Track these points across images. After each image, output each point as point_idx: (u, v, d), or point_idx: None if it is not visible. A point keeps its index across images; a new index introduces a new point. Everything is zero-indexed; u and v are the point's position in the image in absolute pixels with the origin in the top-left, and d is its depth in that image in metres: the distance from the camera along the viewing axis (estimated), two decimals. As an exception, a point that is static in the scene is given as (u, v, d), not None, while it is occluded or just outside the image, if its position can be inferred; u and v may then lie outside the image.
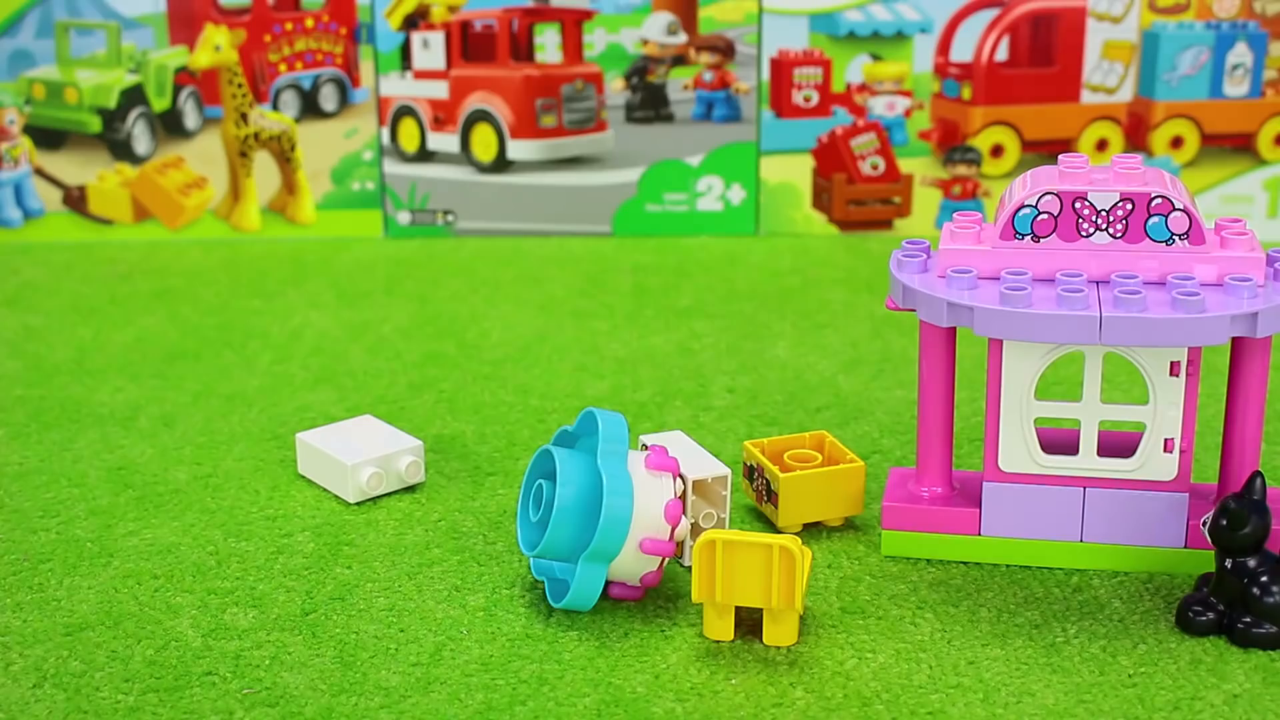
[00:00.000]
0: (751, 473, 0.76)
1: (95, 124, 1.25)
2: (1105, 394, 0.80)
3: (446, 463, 0.83)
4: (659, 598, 0.69)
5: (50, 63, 1.25)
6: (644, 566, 0.66)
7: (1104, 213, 0.68)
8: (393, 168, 1.27)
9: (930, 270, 0.70)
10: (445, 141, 1.27)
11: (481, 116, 1.26)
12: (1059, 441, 0.72)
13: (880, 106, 1.24)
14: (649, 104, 1.25)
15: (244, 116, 1.25)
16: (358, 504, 0.78)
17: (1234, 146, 1.23)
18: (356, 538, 0.75)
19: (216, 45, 1.23)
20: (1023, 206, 0.68)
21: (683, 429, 0.86)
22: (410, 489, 0.81)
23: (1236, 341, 0.69)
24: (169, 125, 1.26)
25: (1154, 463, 0.69)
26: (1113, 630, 0.67)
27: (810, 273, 1.16)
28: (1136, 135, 1.23)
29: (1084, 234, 0.68)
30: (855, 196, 1.26)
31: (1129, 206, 0.67)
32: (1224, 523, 0.65)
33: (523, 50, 1.25)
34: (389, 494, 0.80)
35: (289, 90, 1.26)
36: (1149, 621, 0.67)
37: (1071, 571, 0.71)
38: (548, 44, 1.25)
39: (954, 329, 0.71)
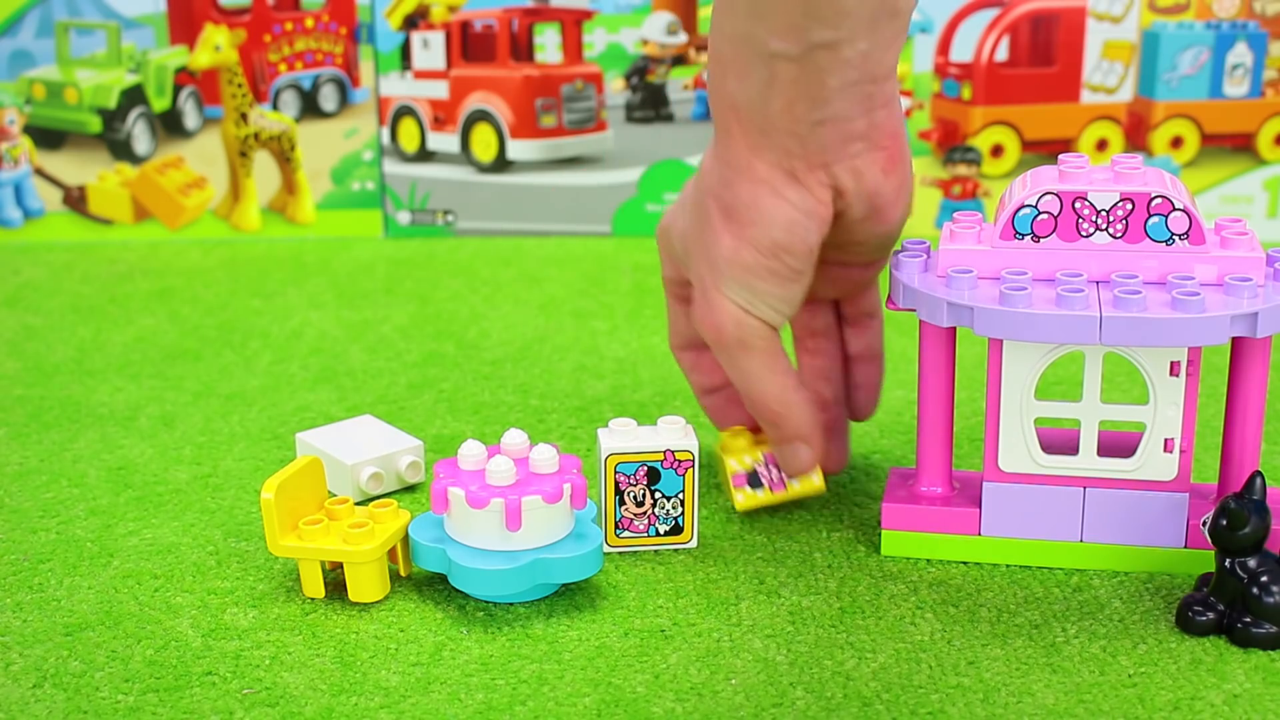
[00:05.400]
0: (754, 478, 0.76)
1: (95, 124, 1.25)
2: (1105, 394, 0.80)
3: (446, 463, 0.83)
4: (659, 596, 0.69)
5: (50, 63, 1.25)
6: None
7: (1104, 213, 0.68)
8: (393, 168, 1.27)
9: (930, 270, 0.70)
10: (445, 141, 1.27)
11: (481, 116, 1.26)
12: (1059, 441, 0.72)
13: (880, 106, 1.24)
14: (649, 104, 1.25)
15: (244, 116, 1.25)
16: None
17: (1234, 146, 1.23)
18: (356, 538, 0.75)
19: (216, 45, 1.23)
20: (1023, 206, 0.68)
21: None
22: (410, 489, 0.81)
23: (1236, 341, 0.69)
24: (169, 125, 1.26)
25: (1154, 463, 0.69)
26: (1113, 630, 0.67)
27: (810, 273, 1.16)
28: (1136, 135, 1.23)
29: (1084, 234, 0.68)
30: (855, 196, 1.25)
31: (1129, 206, 0.67)
32: (1224, 523, 0.65)
33: (523, 50, 1.25)
34: (389, 494, 0.80)
35: (289, 90, 1.26)
36: (1149, 621, 0.67)
37: (1071, 571, 0.71)
38: (548, 44, 1.25)
39: (954, 329, 0.71)
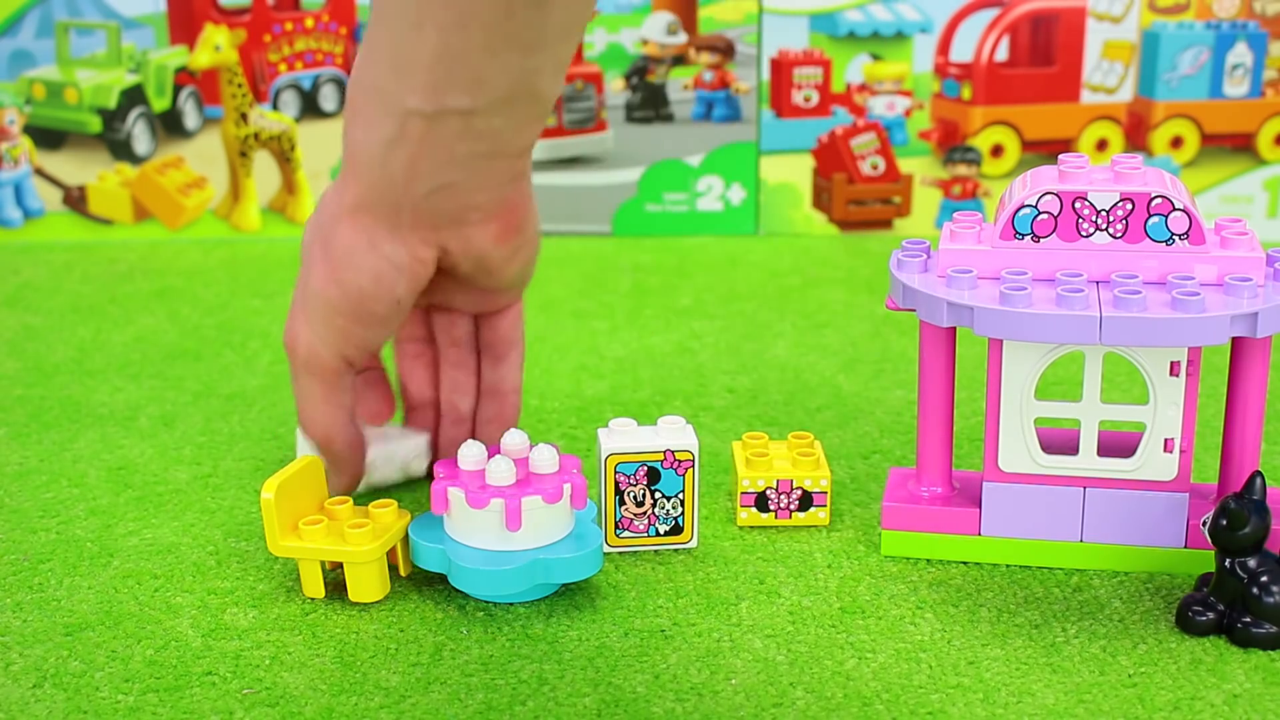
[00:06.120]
0: (762, 501, 0.76)
1: (95, 124, 1.25)
2: (1105, 394, 0.80)
3: (446, 463, 0.83)
4: (659, 596, 0.69)
5: (50, 63, 1.25)
6: None
7: (1104, 213, 0.68)
8: (393, 168, 1.26)
9: (930, 270, 0.70)
10: (445, 141, 1.27)
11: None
12: (1059, 441, 0.72)
13: (880, 106, 1.24)
14: (649, 104, 1.25)
15: (244, 116, 1.25)
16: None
17: (1234, 146, 1.23)
18: (356, 538, 0.75)
19: (216, 45, 1.23)
20: (1023, 206, 0.68)
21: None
22: (410, 487, 0.80)
23: (1236, 341, 0.69)
24: (169, 125, 1.26)
25: (1154, 463, 0.69)
26: (1113, 630, 0.67)
27: (810, 273, 1.16)
28: (1136, 135, 1.23)
29: (1084, 234, 0.68)
30: (855, 196, 1.26)
31: (1129, 206, 0.67)
32: (1224, 523, 0.65)
33: (523, 50, 1.25)
34: (389, 493, 0.80)
35: (289, 90, 1.26)
36: (1149, 621, 0.67)
37: (1071, 571, 0.71)
38: (548, 44, 1.25)
39: (954, 329, 0.71)
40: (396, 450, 0.79)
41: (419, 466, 0.80)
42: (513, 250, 0.70)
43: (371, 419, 0.78)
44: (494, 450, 0.71)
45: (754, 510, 0.75)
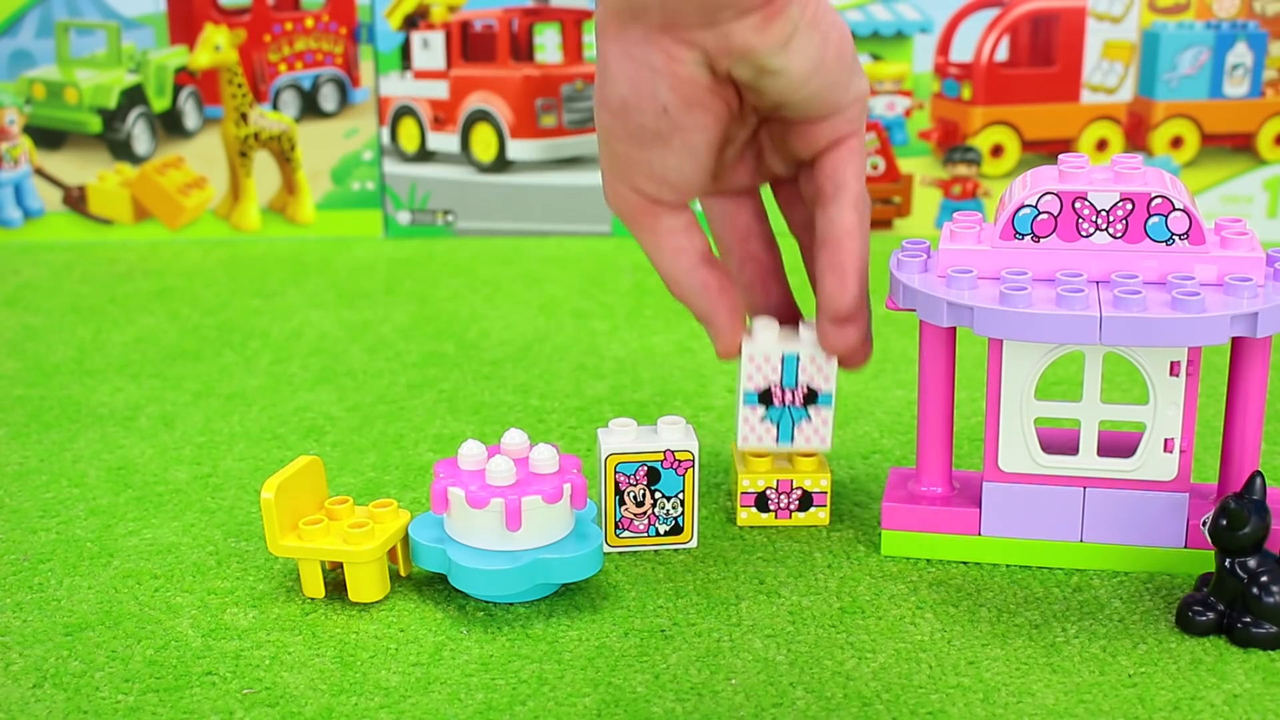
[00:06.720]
0: (762, 501, 0.76)
1: (95, 124, 1.25)
2: (1105, 394, 0.80)
3: (446, 463, 0.83)
4: (659, 596, 0.69)
5: (50, 63, 1.25)
6: None
7: (1104, 213, 0.68)
8: (393, 168, 1.27)
9: (930, 270, 0.70)
10: (445, 141, 1.27)
11: (481, 116, 1.26)
12: (1059, 441, 0.72)
13: (880, 106, 1.24)
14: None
15: (244, 116, 1.25)
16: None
17: (1234, 146, 1.23)
18: (356, 538, 0.75)
19: (216, 45, 1.23)
20: (1023, 206, 0.68)
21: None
22: (410, 487, 0.80)
23: (1236, 341, 0.69)
24: (169, 125, 1.26)
25: (1154, 463, 0.69)
26: (1113, 630, 0.67)
27: (810, 273, 1.16)
28: (1136, 135, 1.23)
29: (1084, 234, 0.68)
30: (855, 196, 1.25)
31: (1129, 206, 0.67)
32: (1224, 523, 0.65)
33: (523, 50, 1.25)
34: (389, 493, 0.80)
35: (289, 90, 1.26)
36: (1149, 621, 0.67)
37: (1071, 571, 0.71)
38: (548, 44, 1.25)
39: (954, 329, 0.71)
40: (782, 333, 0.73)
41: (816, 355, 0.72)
42: (782, 40, 0.63)
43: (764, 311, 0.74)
44: (492, 450, 0.71)
45: (754, 510, 0.75)
